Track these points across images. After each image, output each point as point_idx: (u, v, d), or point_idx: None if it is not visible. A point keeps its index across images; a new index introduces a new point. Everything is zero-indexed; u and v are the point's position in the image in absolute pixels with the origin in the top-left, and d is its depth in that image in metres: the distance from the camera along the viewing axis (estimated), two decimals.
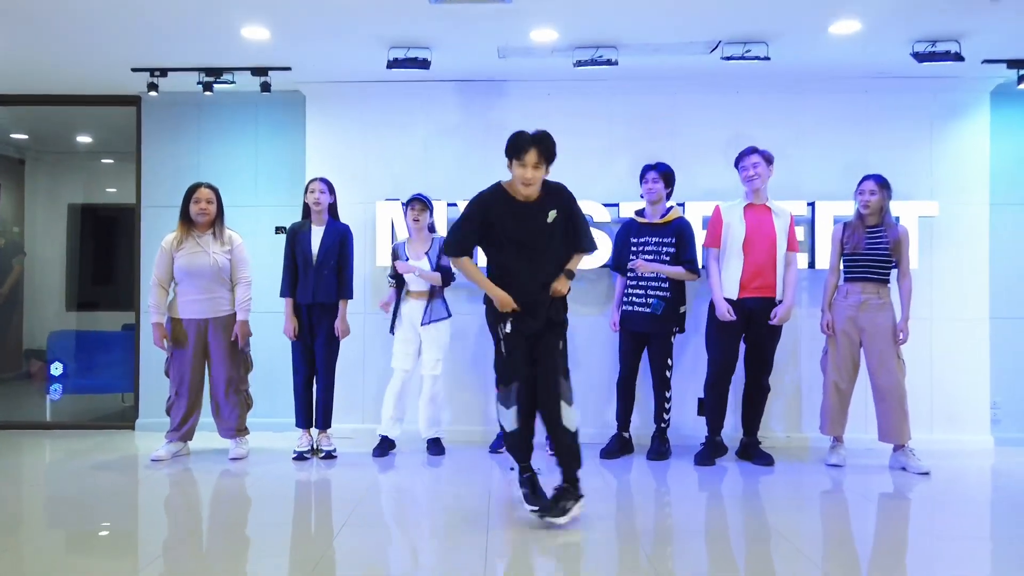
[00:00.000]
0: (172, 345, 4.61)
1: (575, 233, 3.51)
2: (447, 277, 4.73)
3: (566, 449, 3.43)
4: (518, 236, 3.42)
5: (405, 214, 4.82)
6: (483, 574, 2.82)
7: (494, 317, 3.50)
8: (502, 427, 3.57)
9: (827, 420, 4.58)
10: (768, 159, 4.51)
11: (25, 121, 6.93)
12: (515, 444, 3.56)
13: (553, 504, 3.34)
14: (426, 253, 4.75)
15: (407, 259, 4.75)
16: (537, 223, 3.42)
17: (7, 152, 7.51)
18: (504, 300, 3.40)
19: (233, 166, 5.50)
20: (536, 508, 3.39)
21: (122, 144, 6.24)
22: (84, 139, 7.65)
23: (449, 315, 4.79)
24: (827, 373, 4.58)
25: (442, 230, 5.03)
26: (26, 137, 7.44)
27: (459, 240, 3.53)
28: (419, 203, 4.74)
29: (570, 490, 3.38)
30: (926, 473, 4.35)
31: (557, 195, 3.48)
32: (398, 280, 4.80)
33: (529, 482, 3.51)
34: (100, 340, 6.83)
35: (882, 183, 4.44)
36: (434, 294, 4.75)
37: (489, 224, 3.43)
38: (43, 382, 6.79)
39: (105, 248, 8.07)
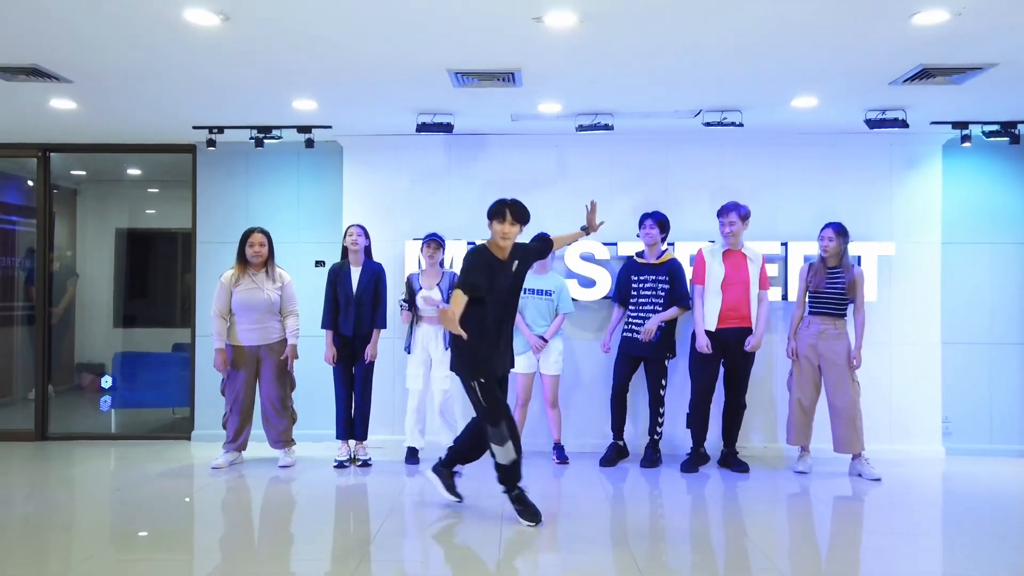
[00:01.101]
0: (231, 368, 5.27)
1: (535, 252, 4.36)
2: None
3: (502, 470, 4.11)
4: (496, 286, 4.00)
5: (421, 250, 5.41)
6: (497, 563, 3.49)
7: (469, 371, 4.02)
8: (499, 465, 4.04)
9: (792, 432, 5.24)
10: (744, 216, 5.16)
11: (83, 158, 7.56)
12: (512, 471, 4.06)
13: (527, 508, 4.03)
14: (438, 284, 5.33)
15: (420, 288, 5.33)
16: (509, 274, 4.07)
17: (64, 185, 8.15)
18: (451, 320, 3.77)
19: (277, 207, 6.14)
20: (532, 523, 3.97)
21: (166, 174, 6.72)
22: (133, 171, 8.27)
23: None
24: (792, 391, 5.25)
25: (456, 264, 5.69)
26: (84, 173, 8.08)
27: (471, 279, 3.94)
28: (434, 243, 5.35)
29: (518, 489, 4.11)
30: (878, 479, 5.00)
31: (515, 249, 4.13)
32: (410, 305, 5.36)
33: (519, 499, 4.05)
34: (154, 360, 7.44)
35: (839, 231, 5.09)
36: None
37: (487, 273, 4.00)
38: (94, 393, 7.41)
39: (149, 269, 8.70)
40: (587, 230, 4.57)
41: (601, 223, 4.61)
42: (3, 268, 7.54)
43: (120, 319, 8.46)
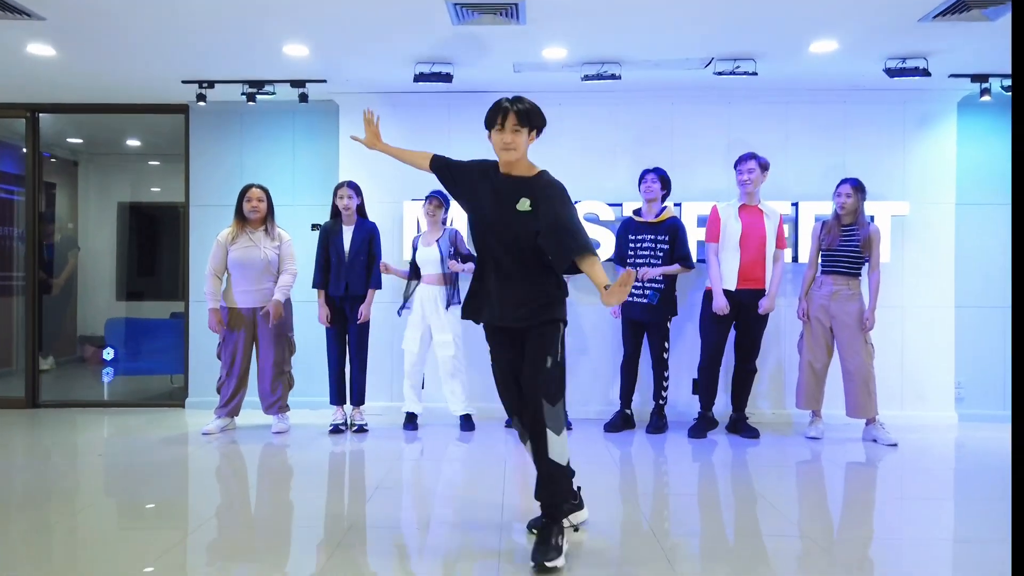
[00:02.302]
0: (227, 330, 4.78)
1: (552, 233, 2.65)
2: (470, 258, 4.84)
3: (547, 480, 2.70)
4: (490, 212, 2.75)
5: (423, 207, 4.94)
6: (500, 529, 3.01)
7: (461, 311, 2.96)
8: (559, 464, 2.73)
9: (802, 396, 4.74)
10: (764, 166, 4.65)
11: (80, 127, 7.10)
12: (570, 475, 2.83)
13: (539, 546, 2.62)
14: (436, 241, 4.87)
15: (416, 248, 4.89)
16: (509, 205, 2.71)
17: (63, 155, 7.68)
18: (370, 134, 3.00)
19: (273, 168, 5.64)
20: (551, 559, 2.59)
21: (168, 147, 6.37)
22: (133, 143, 7.81)
23: (459, 301, 4.94)
24: (802, 354, 4.74)
25: (460, 227, 5.21)
26: (80, 141, 7.61)
27: (446, 160, 2.92)
28: (436, 199, 4.88)
29: (549, 524, 2.69)
30: (894, 444, 4.52)
31: (539, 186, 2.71)
32: (413, 269, 4.93)
33: (543, 530, 2.71)
34: (151, 327, 7.00)
35: (857, 186, 4.59)
36: (446, 280, 4.89)
37: (474, 182, 2.82)
38: (96, 365, 6.97)
39: (151, 243, 8.26)
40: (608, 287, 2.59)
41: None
42: (2, 239, 7.07)
43: (123, 292, 8.05)
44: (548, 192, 2.70)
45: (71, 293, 7.64)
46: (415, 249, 4.93)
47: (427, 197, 4.92)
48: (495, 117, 2.70)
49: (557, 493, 2.70)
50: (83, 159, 7.94)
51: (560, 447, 2.67)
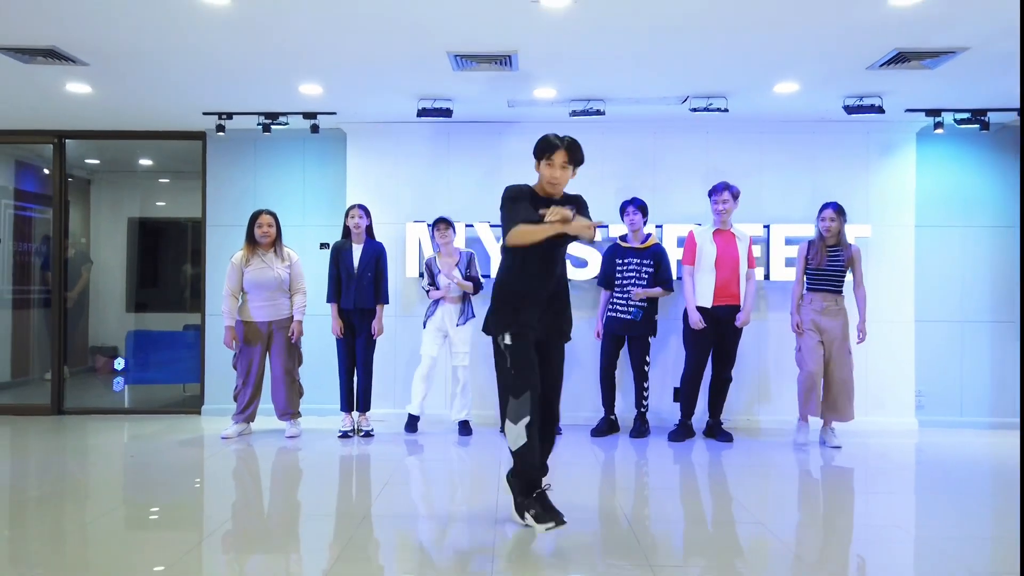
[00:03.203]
0: (243, 343, 5.27)
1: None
2: (477, 286, 5.40)
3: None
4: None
5: (432, 235, 5.47)
6: (494, 527, 3.50)
7: (499, 324, 3.27)
8: (511, 451, 3.22)
9: (804, 404, 5.12)
10: (735, 195, 5.18)
11: (97, 147, 7.56)
12: (527, 465, 3.22)
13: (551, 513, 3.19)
14: (456, 265, 5.38)
15: (439, 272, 5.38)
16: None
17: (79, 174, 8.15)
18: (563, 217, 2.99)
19: (284, 191, 6.15)
20: (552, 524, 3.15)
21: (176, 165, 6.78)
22: (145, 161, 8.28)
23: (474, 315, 5.46)
24: (804, 365, 5.12)
25: (459, 247, 5.72)
26: (97, 162, 8.08)
27: (514, 216, 3.17)
28: (444, 223, 5.39)
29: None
30: (838, 447, 5.05)
31: (575, 201, 3.33)
32: (434, 286, 5.42)
33: (539, 501, 3.24)
34: (166, 339, 7.45)
35: (839, 210, 5.08)
36: (464, 299, 5.43)
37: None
38: (107, 375, 7.41)
39: (160, 257, 8.72)
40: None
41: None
42: (20, 254, 7.53)
43: (133, 304, 8.49)
44: (578, 202, 3.35)
45: (84, 306, 8.05)
46: (434, 272, 5.39)
47: (434, 224, 5.43)
48: (547, 150, 3.22)
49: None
50: (96, 177, 8.41)
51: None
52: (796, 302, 5.20)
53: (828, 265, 5.07)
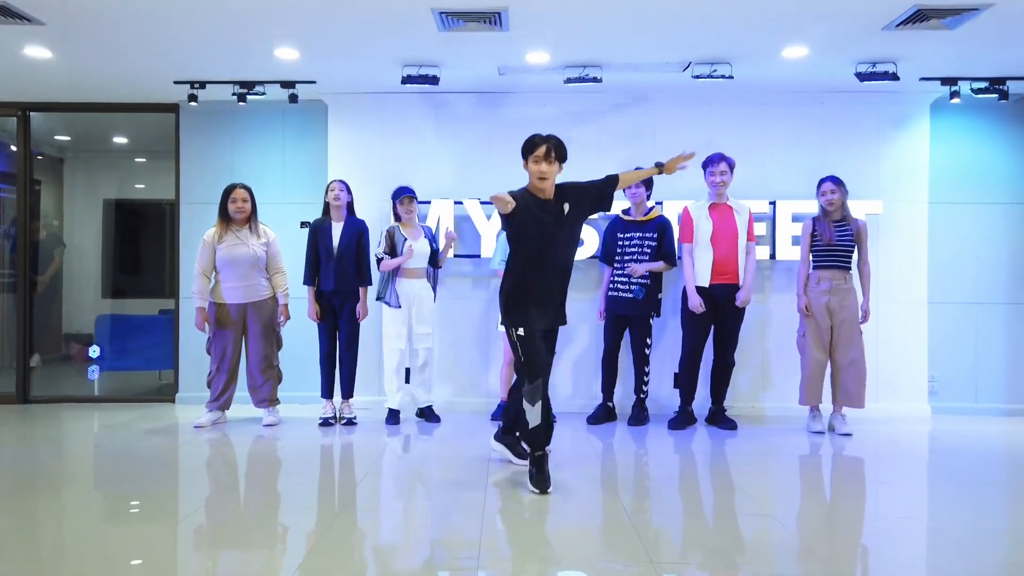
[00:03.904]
0: (216, 327, 5.03)
1: (594, 191, 3.70)
2: (435, 259, 5.17)
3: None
4: (538, 229, 3.54)
5: (395, 207, 5.16)
6: (481, 520, 3.28)
7: (507, 319, 3.63)
8: (526, 424, 3.61)
9: (806, 392, 4.94)
10: (732, 166, 4.95)
11: (68, 124, 7.30)
12: (537, 435, 3.61)
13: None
14: (423, 236, 5.15)
15: (405, 240, 5.09)
16: (554, 217, 3.57)
17: (49, 152, 7.88)
18: (499, 198, 3.45)
19: (263, 167, 5.90)
20: (538, 491, 3.53)
21: (154, 144, 6.56)
22: (120, 140, 8.02)
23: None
24: (806, 350, 4.94)
25: (447, 224, 5.48)
26: (68, 139, 7.81)
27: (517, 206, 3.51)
28: (408, 197, 5.12)
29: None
30: (849, 435, 4.84)
31: (565, 190, 3.64)
32: (391, 255, 5.09)
33: (537, 463, 3.60)
34: (140, 323, 7.23)
35: (838, 183, 4.87)
36: (430, 275, 5.19)
37: (520, 215, 3.52)
38: (82, 363, 7.17)
39: (137, 240, 8.47)
40: (662, 167, 3.86)
41: (683, 167, 3.92)
42: None
43: (109, 290, 8.24)
44: (573, 190, 3.69)
45: (56, 291, 7.82)
46: (398, 240, 5.08)
47: (399, 197, 5.14)
48: (532, 147, 3.57)
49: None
50: (69, 156, 8.14)
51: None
52: (803, 283, 4.97)
53: (837, 241, 4.85)
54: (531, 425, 3.59)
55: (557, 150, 3.56)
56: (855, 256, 4.95)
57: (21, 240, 6.19)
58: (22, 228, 6.19)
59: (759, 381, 5.63)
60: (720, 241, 4.92)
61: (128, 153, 8.30)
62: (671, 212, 5.44)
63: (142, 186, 8.54)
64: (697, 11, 4.02)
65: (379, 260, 5.11)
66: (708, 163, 4.98)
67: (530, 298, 3.60)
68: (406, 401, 5.28)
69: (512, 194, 3.50)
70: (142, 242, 8.48)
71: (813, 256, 4.97)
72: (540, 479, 3.55)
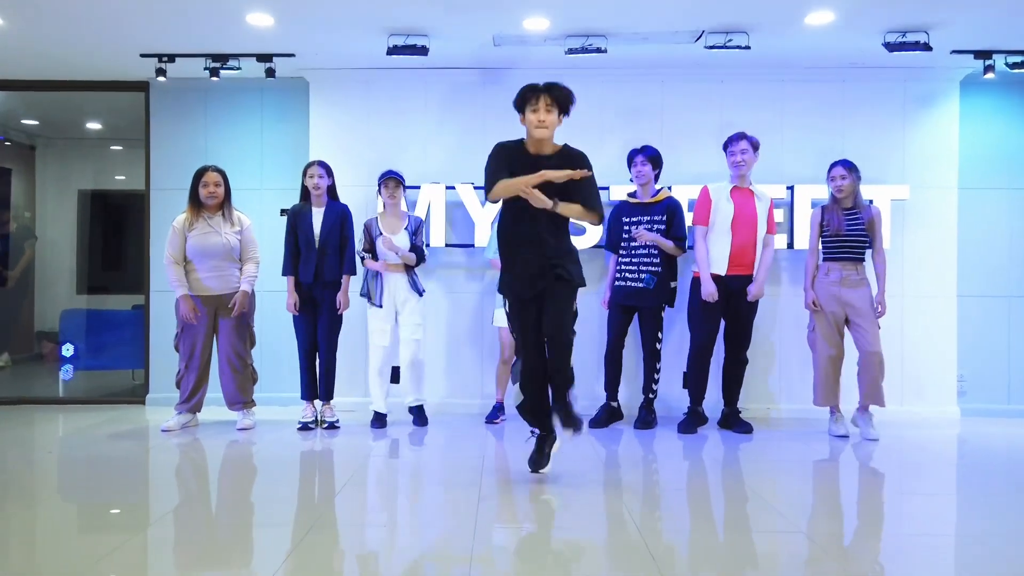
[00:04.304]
0: (184, 322, 4.64)
1: (584, 199, 3.30)
2: (420, 258, 4.78)
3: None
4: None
5: (380, 191, 4.81)
6: (473, 530, 2.90)
7: (503, 293, 3.50)
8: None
9: (820, 392, 4.59)
10: (755, 145, 4.56)
11: (36, 107, 6.91)
12: (525, 412, 3.55)
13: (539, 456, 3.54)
14: (405, 228, 4.76)
15: (380, 234, 4.72)
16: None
17: (18, 138, 7.50)
18: (532, 194, 3.16)
19: (239, 150, 5.51)
20: (532, 470, 3.53)
21: (131, 131, 6.22)
22: (93, 126, 7.63)
23: (424, 290, 4.83)
24: (817, 348, 4.59)
25: (439, 211, 5.10)
26: (37, 123, 7.42)
27: (491, 177, 3.27)
28: (393, 180, 4.74)
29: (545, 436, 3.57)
30: (876, 439, 4.45)
31: (573, 159, 3.29)
32: (372, 254, 4.77)
33: (538, 442, 3.55)
34: (111, 319, 6.85)
35: (850, 167, 4.50)
36: (407, 270, 4.78)
37: (510, 171, 3.25)
38: (55, 362, 6.81)
39: (114, 233, 8.08)
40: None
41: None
42: None
43: (84, 285, 7.86)
44: (575, 156, 3.34)
45: (27, 286, 7.47)
46: (374, 235, 4.74)
47: (383, 180, 4.77)
48: (529, 96, 3.21)
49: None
50: (41, 143, 7.76)
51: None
52: (811, 276, 4.61)
53: (847, 230, 4.48)
54: (516, 405, 3.59)
55: (556, 94, 3.23)
56: (871, 246, 4.56)
57: None
58: None
59: (776, 380, 5.24)
60: (740, 228, 4.54)
61: (103, 141, 7.92)
62: (680, 197, 5.02)
63: (122, 177, 8.16)
64: None
65: (362, 259, 4.77)
66: (729, 143, 4.59)
67: (509, 263, 3.39)
68: (393, 403, 4.89)
69: (501, 145, 3.31)
70: (119, 235, 8.10)
71: (823, 246, 4.60)
72: (531, 458, 3.54)
